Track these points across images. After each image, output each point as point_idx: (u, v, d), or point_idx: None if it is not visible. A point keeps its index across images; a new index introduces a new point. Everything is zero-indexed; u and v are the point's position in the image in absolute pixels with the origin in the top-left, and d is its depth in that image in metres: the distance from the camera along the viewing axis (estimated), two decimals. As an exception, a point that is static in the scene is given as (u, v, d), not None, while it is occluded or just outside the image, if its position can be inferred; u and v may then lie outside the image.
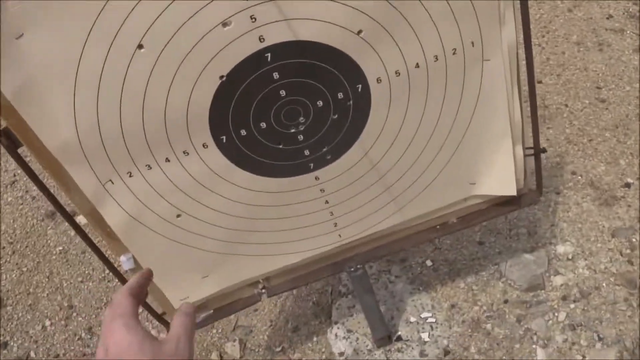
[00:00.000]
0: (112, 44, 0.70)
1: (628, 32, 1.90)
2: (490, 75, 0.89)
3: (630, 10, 1.98)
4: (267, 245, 1.01)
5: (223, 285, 1.05)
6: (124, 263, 0.97)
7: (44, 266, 1.71)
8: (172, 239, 0.94)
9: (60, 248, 1.75)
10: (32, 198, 1.94)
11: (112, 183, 0.84)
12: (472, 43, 0.85)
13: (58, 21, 0.67)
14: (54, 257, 1.73)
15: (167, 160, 0.84)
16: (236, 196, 0.91)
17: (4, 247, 1.78)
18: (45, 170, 0.82)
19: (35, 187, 1.93)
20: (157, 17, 0.69)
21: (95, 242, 0.99)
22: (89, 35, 0.69)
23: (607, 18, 1.98)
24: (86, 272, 1.67)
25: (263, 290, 1.09)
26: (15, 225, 1.85)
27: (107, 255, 1.01)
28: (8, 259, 1.74)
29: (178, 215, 0.92)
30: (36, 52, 0.69)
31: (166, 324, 1.11)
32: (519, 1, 0.85)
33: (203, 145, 0.84)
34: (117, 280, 1.61)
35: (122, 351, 0.57)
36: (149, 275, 0.75)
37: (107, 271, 1.66)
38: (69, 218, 0.93)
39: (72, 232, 1.79)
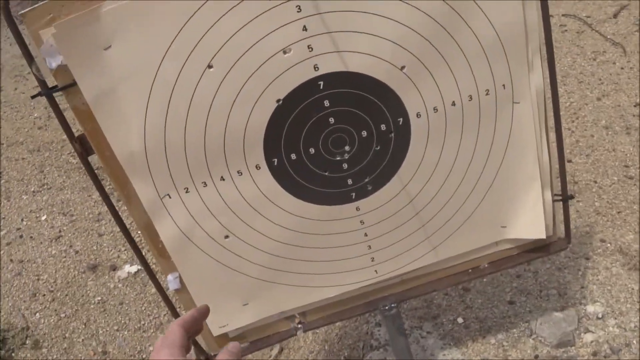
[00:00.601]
0: (186, 60, 0.80)
1: (655, 118, 1.99)
2: (519, 117, 0.97)
3: (657, 99, 2.07)
4: (307, 276, 1.06)
5: (262, 315, 1.09)
6: (171, 282, 1.03)
7: (81, 314, 1.76)
8: (218, 261, 1.00)
9: (99, 298, 1.81)
10: (75, 252, 2.02)
11: (170, 197, 0.92)
12: (504, 86, 0.93)
13: (143, 36, 0.78)
14: (92, 306, 1.79)
15: (222, 179, 0.92)
16: (282, 221, 0.98)
17: (44, 295, 1.85)
18: (111, 180, 0.90)
19: (79, 242, 2.03)
20: (229, 39, 0.79)
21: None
22: (167, 50, 0.79)
23: (635, 106, 2.07)
24: (122, 321, 1.72)
25: (299, 325, 1.13)
26: (57, 276, 1.92)
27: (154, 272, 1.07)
28: (47, 305, 1.81)
29: (226, 237, 0.98)
30: (120, 63, 0.79)
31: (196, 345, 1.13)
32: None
33: (256, 167, 0.91)
34: (152, 330, 1.66)
35: None
36: (204, 311, 0.76)
37: (142, 321, 1.71)
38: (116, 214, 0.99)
39: (112, 284, 1.86)
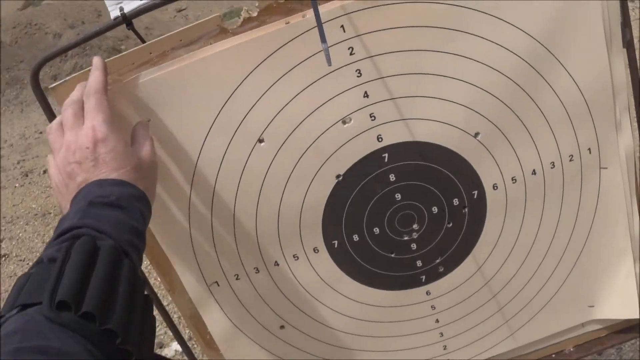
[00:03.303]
0: (234, 135, 0.71)
1: None
2: (608, 184, 0.85)
3: None
4: (370, 368, 0.95)
5: (320, 412, 0.98)
6: (220, 378, 0.92)
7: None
8: (272, 352, 0.90)
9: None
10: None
11: (218, 285, 0.83)
12: (589, 150, 0.83)
13: (185, 109, 0.70)
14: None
15: (276, 263, 0.82)
16: (343, 308, 0.87)
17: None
18: (153, 267, 0.81)
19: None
20: (281, 110, 0.71)
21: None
22: (212, 125, 0.71)
23: None
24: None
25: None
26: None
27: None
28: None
29: (282, 327, 0.88)
30: (160, 138, 0.71)
31: None
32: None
33: (314, 250, 0.82)
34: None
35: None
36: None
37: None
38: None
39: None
